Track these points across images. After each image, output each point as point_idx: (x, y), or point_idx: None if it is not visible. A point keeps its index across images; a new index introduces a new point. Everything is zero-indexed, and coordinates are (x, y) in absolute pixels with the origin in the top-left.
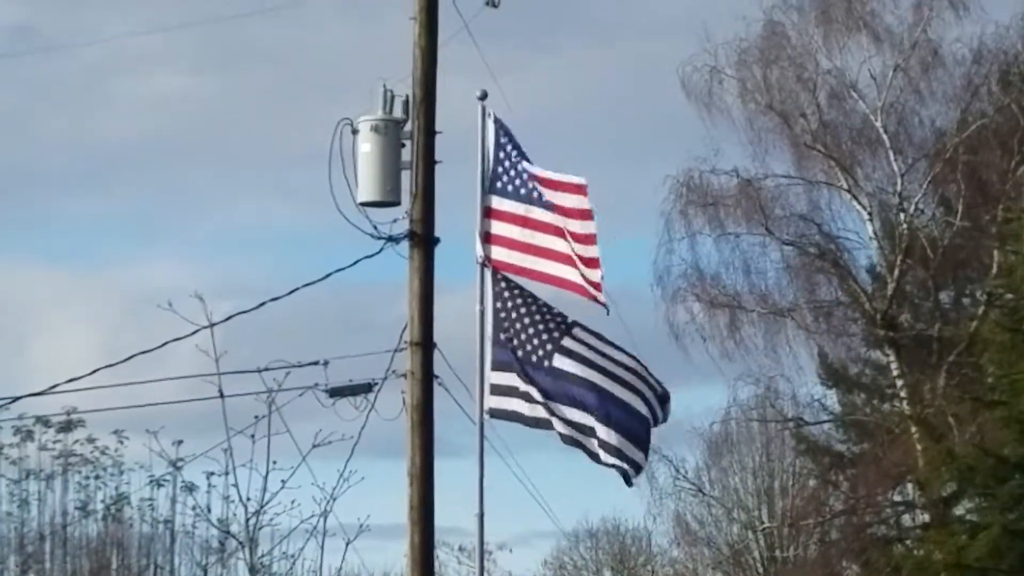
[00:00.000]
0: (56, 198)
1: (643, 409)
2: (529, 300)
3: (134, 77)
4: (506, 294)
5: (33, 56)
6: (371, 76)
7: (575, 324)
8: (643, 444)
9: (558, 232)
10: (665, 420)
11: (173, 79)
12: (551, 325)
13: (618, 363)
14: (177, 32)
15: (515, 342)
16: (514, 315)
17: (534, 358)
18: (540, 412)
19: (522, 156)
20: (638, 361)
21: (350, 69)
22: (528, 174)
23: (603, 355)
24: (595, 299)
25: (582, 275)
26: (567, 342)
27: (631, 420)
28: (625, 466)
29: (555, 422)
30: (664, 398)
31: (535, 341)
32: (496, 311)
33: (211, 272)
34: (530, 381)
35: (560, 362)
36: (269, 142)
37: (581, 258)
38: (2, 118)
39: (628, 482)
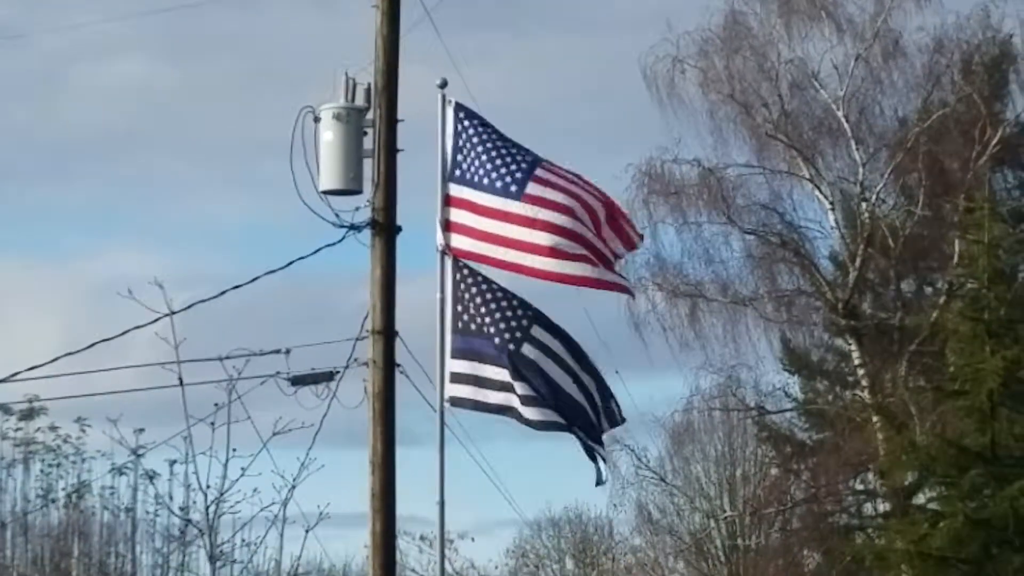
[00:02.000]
0: (16, 187)
1: (591, 416)
2: (492, 287)
3: (96, 65)
4: (467, 281)
5: None
6: (333, 64)
7: (538, 316)
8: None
9: (524, 222)
10: (620, 421)
11: (135, 67)
12: (517, 313)
13: (574, 363)
14: (139, 20)
15: (477, 329)
16: (477, 301)
17: (498, 341)
18: (500, 399)
19: (499, 144)
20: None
21: (312, 58)
22: (500, 161)
23: (558, 356)
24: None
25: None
26: (535, 331)
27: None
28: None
29: (522, 408)
30: (608, 397)
31: (500, 326)
32: (456, 299)
33: (172, 261)
34: (495, 364)
35: (527, 350)
36: (231, 131)
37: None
38: None
39: (599, 477)
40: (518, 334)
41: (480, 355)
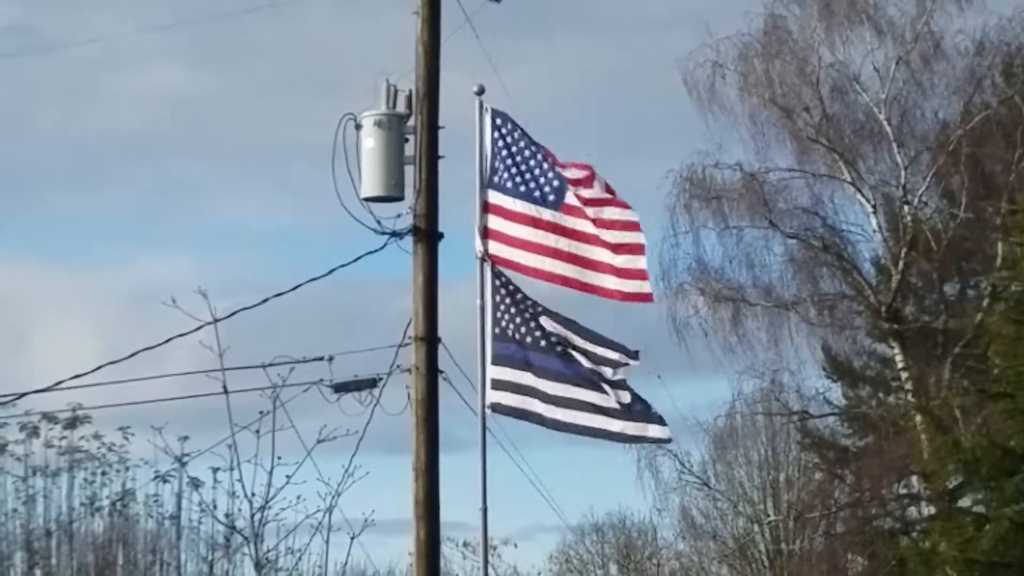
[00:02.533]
0: (53, 196)
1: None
2: (519, 294)
3: (131, 74)
4: (503, 289)
5: (29, 55)
6: (372, 72)
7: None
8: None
9: (558, 230)
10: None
11: (171, 75)
12: (539, 320)
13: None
14: (175, 28)
15: (515, 336)
16: (512, 309)
17: (529, 348)
18: (536, 407)
19: (535, 152)
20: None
21: (350, 65)
22: (539, 170)
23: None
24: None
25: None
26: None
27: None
28: (652, 432)
29: (559, 413)
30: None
31: (527, 333)
32: (495, 305)
33: (211, 269)
34: (531, 371)
35: (551, 356)
36: (269, 138)
37: (613, 267)
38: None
39: (667, 439)
40: (542, 343)
41: (518, 362)
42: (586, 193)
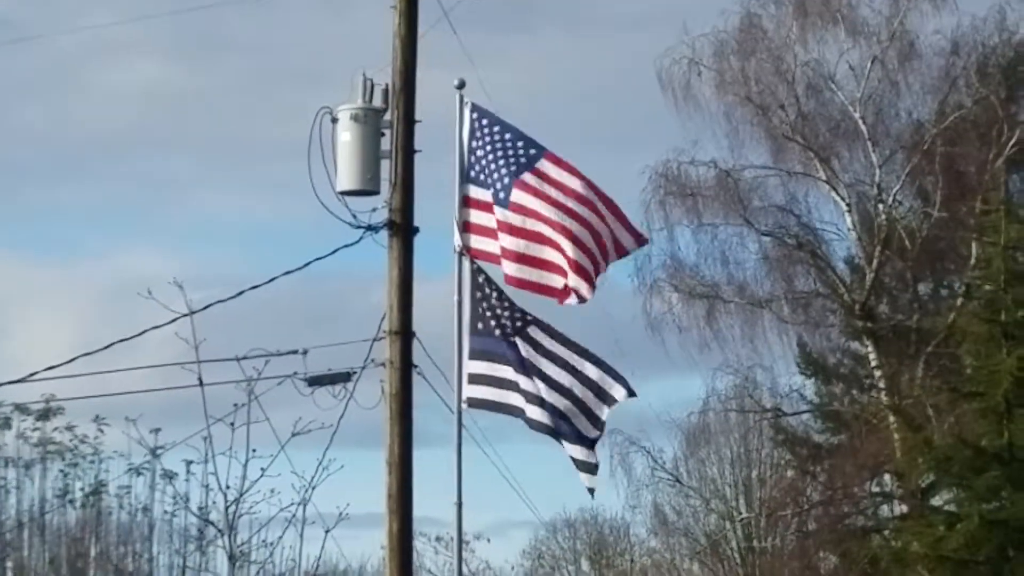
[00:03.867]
0: (31, 188)
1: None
2: (496, 288)
3: (109, 66)
4: (482, 283)
5: (7, 47)
6: (350, 66)
7: (534, 321)
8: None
9: (507, 229)
10: (632, 393)
11: (148, 68)
12: (515, 314)
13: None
14: (153, 22)
15: (495, 330)
16: (492, 302)
17: (506, 342)
18: (515, 400)
19: (507, 145)
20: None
21: (328, 59)
22: (495, 165)
23: (555, 355)
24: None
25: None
26: (531, 331)
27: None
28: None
29: (529, 409)
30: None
31: (505, 327)
32: (474, 300)
33: (187, 262)
34: (509, 365)
35: (525, 350)
36: (246, 132)
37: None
38: None
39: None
40: (514, 337)
41: (496, 356)
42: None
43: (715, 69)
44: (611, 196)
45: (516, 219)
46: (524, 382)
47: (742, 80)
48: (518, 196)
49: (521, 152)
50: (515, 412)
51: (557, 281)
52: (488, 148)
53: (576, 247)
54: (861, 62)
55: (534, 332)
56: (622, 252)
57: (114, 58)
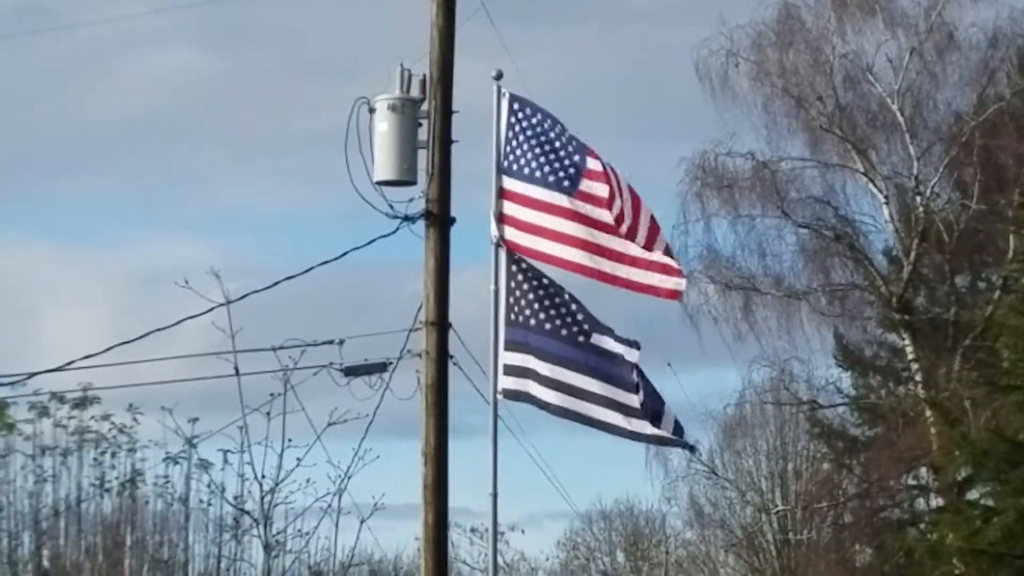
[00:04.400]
0: (61, 178)
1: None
2: (543, 281)
3: (142, 55)
4: (519, 275)
5: (39, 35)
6: (386, 56)
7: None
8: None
9: (575, 217)
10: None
11: (181, 57)
12: (571, 307)
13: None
14: (184, 11)
15: (526, 322)
16: (529, 296)
17: (548, 336)
18: (548, 394)
19: (558, 136)
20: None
21: (362, 50)
22: (554, 155)
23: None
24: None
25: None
26: (584, 327)
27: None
28: (669, 435)
29: (571, 403)
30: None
31: (554, 321)
32: (509, 291)
33: (219, 252)
34: (545, 359)
35: (577, 345)
36: (279, 122)
37: (638, 259)
38: (8, 98)
39: (691, 448)
40: (563, 332)
41: (531, 349)
42: (600, 188)
43: (753, 60)
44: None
45: (582, 207)
46: (559, 372)
47: (780, 71)
48: (587, 185)
49: (570, 145)
50: (552, 409)
51: (636, 275)
52: (532, 139)
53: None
54: (899, 54)
55: (586, 327)
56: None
57: (146, 47)
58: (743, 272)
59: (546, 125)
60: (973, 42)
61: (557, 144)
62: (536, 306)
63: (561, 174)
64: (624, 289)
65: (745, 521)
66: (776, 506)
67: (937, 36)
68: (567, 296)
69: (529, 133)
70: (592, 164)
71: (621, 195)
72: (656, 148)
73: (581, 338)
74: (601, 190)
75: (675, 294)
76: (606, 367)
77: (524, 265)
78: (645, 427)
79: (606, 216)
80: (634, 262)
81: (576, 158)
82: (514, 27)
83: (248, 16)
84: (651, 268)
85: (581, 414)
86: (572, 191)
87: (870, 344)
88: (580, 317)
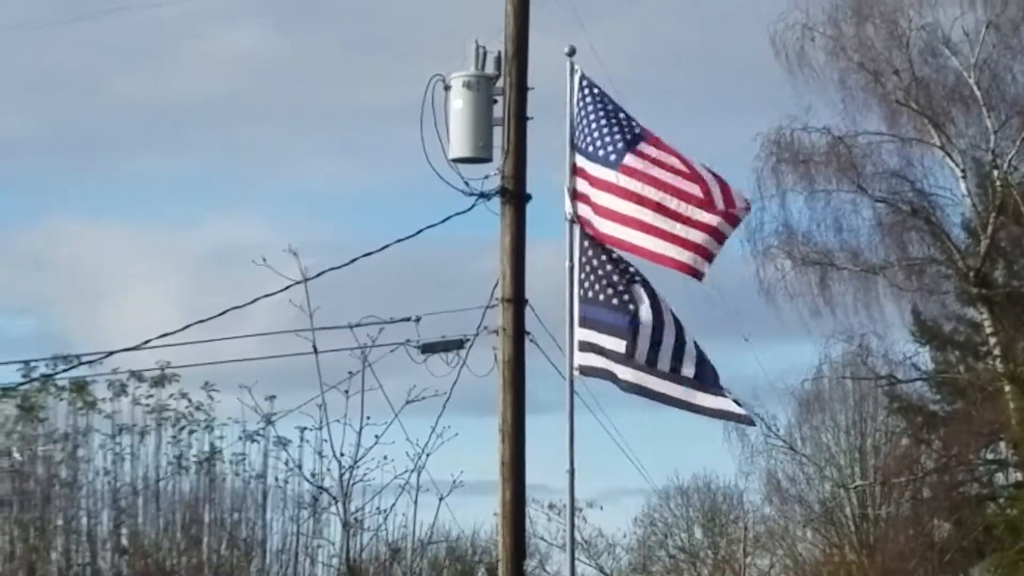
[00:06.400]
0: (131, 158)
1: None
2: (612, 256)
3: (207, 34)
4: (590, 251)
5: (108, 16)
6: (460, 34)
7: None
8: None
9: (619, 192)
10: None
11: (247, 36)
12: (634, 283)
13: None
14: None
15: (596, 298)
16: (599, 272)
17: (617, 312)
18: (621, 371)
19: (612, 114)
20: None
21: (434, 27)
22: (607, 130)
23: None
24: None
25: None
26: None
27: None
28: (736, 409)
29: (647, 379)
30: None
31: (621, 297)
32: (582, 267)
33: (291, 230)
34: (616, 335)
35: (645, 321)
36: (351, 101)
37: (679, 239)
38: (79, 80)
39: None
40: (631, 307)
41: (603, 325)
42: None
43: (829, 34)
44: (712, 167)
45: (631, 184)
46: (631, 349)
47: (856, 45)
48: (632, 161)
49: (627, 128)
50: (623, 385)
51: (669, 250)
52: (592, 116)
53: (685, 224)
54: (976, 27)
55: (650, 302)
56: (733, 221)
57: (213, 27)
58: (819, 247)
59: (605, 103)
60: None
61: (613, 120)
62: (604, 282)
63: (610, 148)
64: (658, 265)
65: (824, 496)
66: (855, 481)
67: (1014, 9)
68: (632, 271)
69: (590, 109)
70: (643, 145)
71: (687, 176)
72: (732, 124)
73: (647, 314)
74: (648, 167)
75: (697, 273)
76: (670, 341)
77: (592, 241)
78: (712, 400)
79: (648, 192)
80: (671, 237)
81: (628, 135)
82: (587, 2)
83: None
84: (684, 246)
85: (651, 390)
86: (617, 165)
87: (948, 318)
88: (645, 292)
